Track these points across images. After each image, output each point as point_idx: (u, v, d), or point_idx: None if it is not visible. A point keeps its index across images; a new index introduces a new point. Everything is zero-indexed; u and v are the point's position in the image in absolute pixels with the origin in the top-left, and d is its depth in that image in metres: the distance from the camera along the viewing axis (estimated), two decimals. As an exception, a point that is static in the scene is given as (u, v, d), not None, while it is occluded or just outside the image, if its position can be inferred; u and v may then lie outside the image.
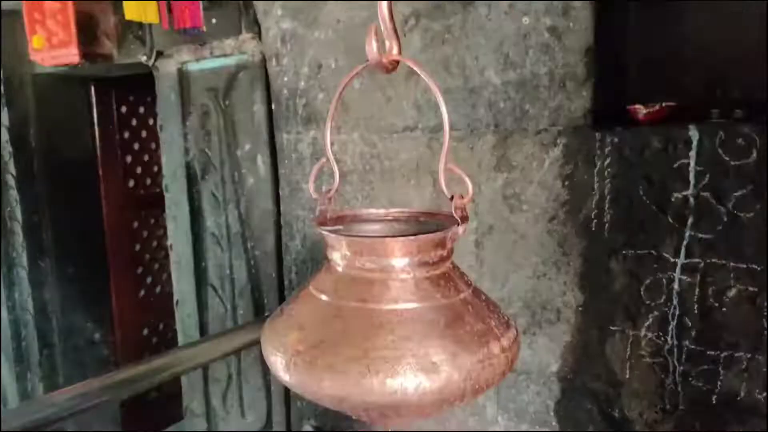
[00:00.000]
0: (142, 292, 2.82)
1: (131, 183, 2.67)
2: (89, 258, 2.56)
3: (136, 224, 2.73)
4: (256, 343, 1.45)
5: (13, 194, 2.31)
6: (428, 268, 0.51)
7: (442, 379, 0.47)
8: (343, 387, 0.47)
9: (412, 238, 0.50)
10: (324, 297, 0.51)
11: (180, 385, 2.04)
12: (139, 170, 2.70)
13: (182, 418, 2.20)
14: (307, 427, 1.47)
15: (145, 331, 2.86)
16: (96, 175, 2.54)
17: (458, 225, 0.51)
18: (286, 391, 1.60)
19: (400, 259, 0.50)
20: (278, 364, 0.51)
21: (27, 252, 2.38)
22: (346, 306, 0.50)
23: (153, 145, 2.68)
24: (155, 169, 2.75)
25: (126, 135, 2.60)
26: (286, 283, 1.53)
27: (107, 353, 2.67)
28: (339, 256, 0.52)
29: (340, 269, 0.52)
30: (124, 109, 2.55)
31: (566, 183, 1.03)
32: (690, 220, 0.93)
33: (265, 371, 1.66)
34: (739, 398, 0.93)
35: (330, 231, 0.52)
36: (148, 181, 2.75)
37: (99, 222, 2.57)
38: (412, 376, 0.46)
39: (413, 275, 0.50)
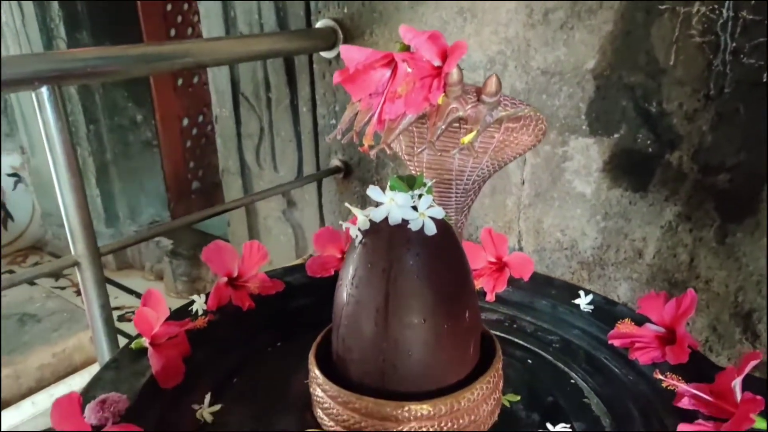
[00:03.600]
0: (180, 81, 2.82)
1: (160, -42, 2.56)
2: (124, 37, 2.54)
3: (168, 7, 2.66)
4: (282, 54, 1.42)
5: (43, -42, 2.25)
6: None
7: None
8: None
9: None
10: None
11: (219, 176, 2.08)
12: (167, -56, 2.57)
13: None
14: (335, 162, 1.48)
15: (185, 122, 2.91)
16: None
17: None
18: (316, 139, 1.60)
19: None
20: None
21: (64, 23, 2.37)
22: None
23: None
24: (185, -56, 2.62)
25: None
26: (313, 18, 1.46)
27: (150, 136, 2.75)
28: None
29: None
30: None
31: None
32: None
33: (295, 122, 1.66)
34: (794, 72, 0.85)
35: None
36: (179, -43, 2.63)
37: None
38: None
39: None
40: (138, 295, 2.58)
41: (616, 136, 1.02)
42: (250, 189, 1.90)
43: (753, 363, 0.60)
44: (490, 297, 0.92)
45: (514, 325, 0.89)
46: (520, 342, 0.86)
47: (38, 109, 0.89)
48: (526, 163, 1.15)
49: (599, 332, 0.82)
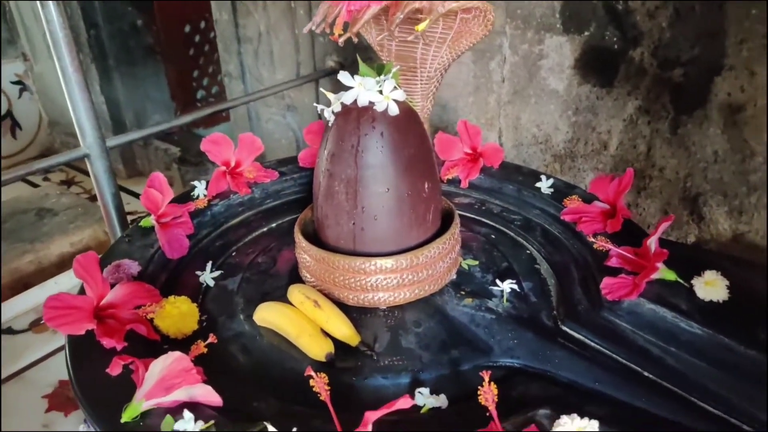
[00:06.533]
0: (179, -14, 2.80)
1: None
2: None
3: None
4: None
5: None
6: None
7: None
8: None
9: None
10: None
11: (224, 89, 2.12)
12: None
13: (228, 119, 2.34)
14: (330, 63, 1.55)
15: (188, 28, 2.90)
16: None
17: None
18: (313, 41, 1.65)
19: None
20: None
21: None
22: None
23: None
24: None
25: None
26: None
27: (151, 42, 2.77)
28: None
29: None
30: None
31: None
32: None
33: (293, 23, 1.70)
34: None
35: None
36: None
37: None
38: None
39: None
40: (149, 200, 2.71)
41: (586, 34, 1.08)
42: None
43: (666, 224, 0.70)
44: (464, 184, 1.01)
45: (483, 208, 1.00)
46: (487, 221, 0.97)
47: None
48: (506, 61, 1.22)
49: (556, 211, 0.93)
